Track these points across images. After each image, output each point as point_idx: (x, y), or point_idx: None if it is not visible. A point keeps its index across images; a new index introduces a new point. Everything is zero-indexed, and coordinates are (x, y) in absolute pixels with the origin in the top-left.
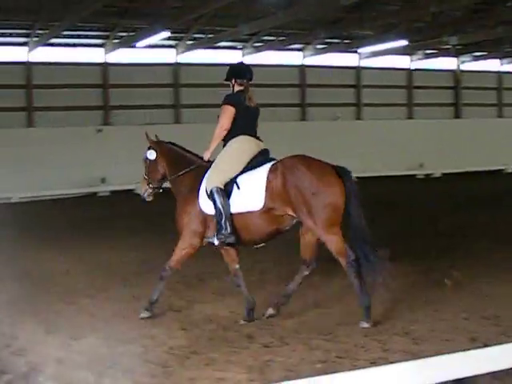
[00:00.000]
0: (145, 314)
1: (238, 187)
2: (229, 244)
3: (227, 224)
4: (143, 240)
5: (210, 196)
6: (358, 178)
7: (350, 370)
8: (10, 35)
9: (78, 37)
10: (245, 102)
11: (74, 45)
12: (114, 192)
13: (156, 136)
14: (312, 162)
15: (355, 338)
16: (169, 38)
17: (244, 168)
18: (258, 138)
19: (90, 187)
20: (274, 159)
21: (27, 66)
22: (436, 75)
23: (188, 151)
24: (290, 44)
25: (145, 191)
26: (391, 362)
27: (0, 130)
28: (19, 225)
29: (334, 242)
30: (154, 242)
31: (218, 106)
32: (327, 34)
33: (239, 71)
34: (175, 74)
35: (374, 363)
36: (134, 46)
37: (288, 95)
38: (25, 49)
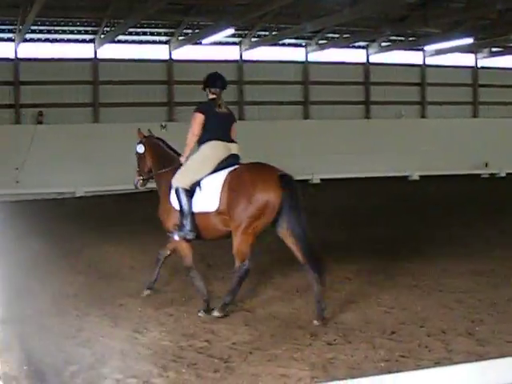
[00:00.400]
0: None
1: (200, 189)
2: (187, 240)
3: (188, 222)
4: None
5: (176, 195)
6: (420, 176)
7: (413, 369)
8: (78, 32)
9: (144, 34)
10: (215, 109)
11: (140, 42)
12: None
13: (149, 130)
14: (258, 169)
15: (419, 337)
16: (233, 35)
17: (211, 171)
18: (232, 141)
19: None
20: (238, 164)
21: (94, 62)
22: (502, 73)
23: (173, 149)
24: (355, 42)
25: (137, 181)
26: (455, 363)
27: (67, 125)
28: (83, 219)
29: (240, 242)
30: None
31: (281, 103)
32: (392, 31)
33: (212, 80)
34: (239, 71)
35: (437, 363)
36: (198, 43)
37: (352, 93)
38: (92, 46)
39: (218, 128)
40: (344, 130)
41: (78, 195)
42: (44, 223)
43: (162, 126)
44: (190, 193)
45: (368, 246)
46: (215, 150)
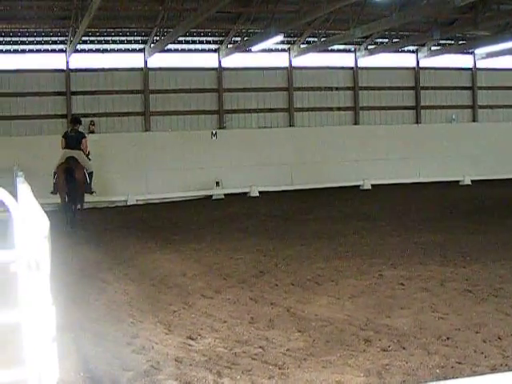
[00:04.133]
0: None
1: None
2: None
3: None
4: (257, 241)
5: None
6: (472, 181)
7: (469, 376)
8: (128, 42)
9: (193, 42)
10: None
11: (189, 50)
12: (228, 195)
13: None
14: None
15: (474, 343)
16: (282, 42)
17: None
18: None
19: (205, 190)
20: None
21: (144, 71)
22: None
23: None
24: (404, 46)
25: None
26: None
27: (119, 133)
28: (136, 227)
29: None
30: (268, 244)
31: (331, 109)
32: (442, 35)
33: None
34: (289, 78)
35: (494, 370)
36: (248, 51)
37: (402, 98)
38: (141, 55)
39: (69, 143)
40: (394, 135)
41: (129, 203)
42: (97, 231)
43: (212, 133)
44: None
45: (420, 251)
46: (63, 153)
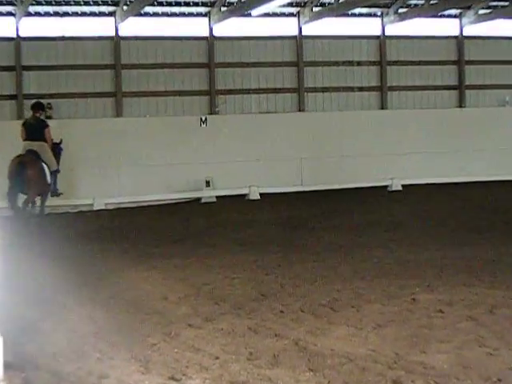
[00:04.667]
0: None
1: None
2: None
3: None
4: (258, 256)
5: None
6: None
7: None
8: (95, 4)
9: (177, 4)
10: (30, 121)
11: (173, 14)
12: (221, 197)
13: None
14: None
15: None
16: (290, 4)
17: None
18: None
19: (193, 191)
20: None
21: (115, 40)
22: None
23: None
24: (444, 9)
25: None
26: None
27: (83, 119)
28: (106, 237)
29: None
30: (271, 259)
31: (351, 89)
32: None
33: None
34: (298, 50)
35: None
36: (246, 15)
37: (441, 75)
38: (112, 20)
39: (28, 133)
40: (432, 122)
41: (97, 208)
42: (55, 243)
43: (201, 120)
44: None
45: (465, 269)
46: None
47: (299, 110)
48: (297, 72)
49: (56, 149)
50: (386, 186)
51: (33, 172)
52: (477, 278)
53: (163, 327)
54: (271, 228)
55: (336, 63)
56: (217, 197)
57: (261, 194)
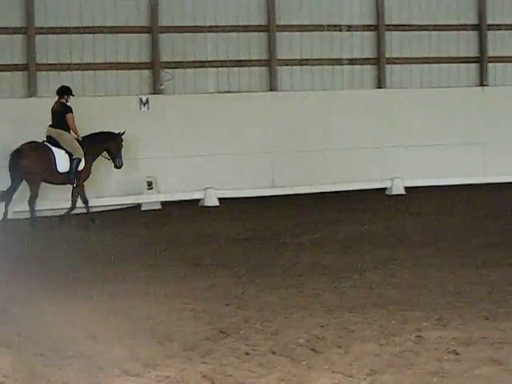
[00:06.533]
0: None
1: None
2: None
3: None
4: (216, 281)
5: None
6: None
7: None
8: None
9: None
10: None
11: None
12: (168, 203)
13: None
14: None
15: None
16: None
17: None
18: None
19: (130, 195)
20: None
21: None
22: None
23: None
24: None
25: None
26: None
27: None
28: (33, 254)
29: None
30: (233, 284)
31: (339, 62)
32: None
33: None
34: (269, 8)
35: None
36: None
37: (457, 42)
38: None
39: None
40: (443, 105)
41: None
42: None
43: (141, 101)
44: None
45: (485, 296)
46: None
47: (270, 90)
48: (267, 39)
49: (114, 140)
50: (384, 189)
51: (28, 161)
52: (503, 309)
53: (90, 375)
54: (233, 244)
55: (319, 27)
56: (162, 203)
57: (219, 199)
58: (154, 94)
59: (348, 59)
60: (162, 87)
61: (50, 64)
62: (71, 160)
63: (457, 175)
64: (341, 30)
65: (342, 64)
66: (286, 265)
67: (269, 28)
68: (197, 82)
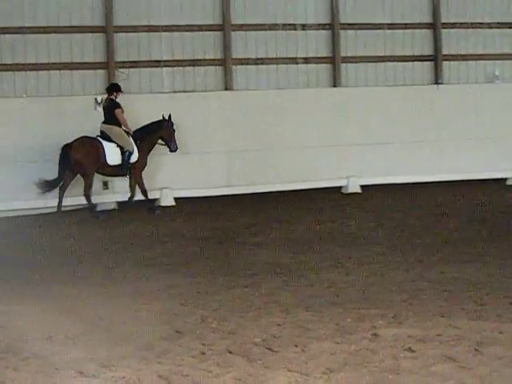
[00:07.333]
0: None
1: None
2: None
3: None
4: (172, 281)
5: None
6: None
7: None
8: None
9: None
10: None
11: None
12: (124, 203)
13: None
14: None
15: None
16: None
17: None
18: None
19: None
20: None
21: None
22: None
23: None
24: None
25: None
26: None
27: None
28: None
29: None
30: (189, 284)
31: (294, 61)
32: None
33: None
34: (223, 7)
35: None
36: None
37: (411, 41)
38: None
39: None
40: (398, 103)
41: None
42: None
43: (96, 101)
44: None
45: (442, 294)
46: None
47: (226, 89)
48: (222, 38)
49: (165, 127)
50: (340, 187)
51: (77, 155)
52: (459, 307)
53: (45, 376)
54: (189, 244)
55: (274, 26)
56: (118, 203)
57: (176, 199)
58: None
59: (303, 58)
60: None
61: (4, 64)
62: (123, 153)
63: (412, 173)
64: (296, 29)
65: (297, 63)
66: (242, 264)
67: (224, 27)
68: (152, 81)
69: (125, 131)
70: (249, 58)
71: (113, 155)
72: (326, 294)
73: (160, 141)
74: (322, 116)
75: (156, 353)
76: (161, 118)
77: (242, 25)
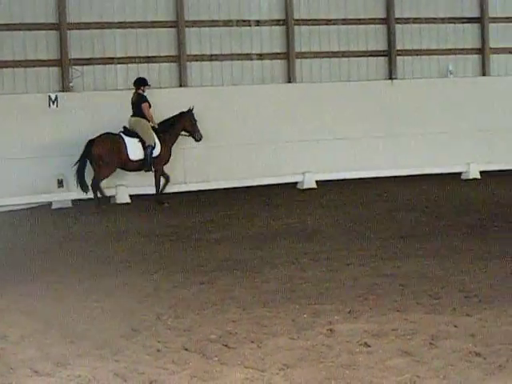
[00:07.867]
0: None
1: None
2: None
3: None
4: (128, 278)
5: None
6: (482, 173)
7: None
8: None
9: None
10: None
11: None
12: (78, 201)
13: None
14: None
15: None
16: None
17: None
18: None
19: (40, 194)
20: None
21: None
22: None
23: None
24: None
25: None
26: None
27: None
28: None
29: None
30: (145, 281)
31: (248, 57)
32: None
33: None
34: (177, 4)
35: None
36: None
37: (365, 36)
38: None
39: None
40: (352, 98)
41: None
42: None
43: (50, 98)
44: None
45: (397, 289)
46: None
47: (180, 85)
48: (176, 35)
49: (187, 118)
50: (295, 183)
51: (99, 150)
52: (414, 301)
53: (0, 376)
54: (145, 241)
55: (228, 22)
56: (73, 201)
57: (131, 196)
58: (63, 91)
59: (258, 54)
60: (71, 84)
61: None
62: (145, 148)
63: (368, 168)
64: (250, 25)
65: (251, 59)
66: (198, 261)
67: (178, 24)
68: (106, 78)
69: (151, 125)
70: (203, 55)
71: (135, 150)
72: (283, 289)
73: (184, 132)
74: (278, 112)
75: (112, 350)
76: (182, 110)
77: (196, 21)
